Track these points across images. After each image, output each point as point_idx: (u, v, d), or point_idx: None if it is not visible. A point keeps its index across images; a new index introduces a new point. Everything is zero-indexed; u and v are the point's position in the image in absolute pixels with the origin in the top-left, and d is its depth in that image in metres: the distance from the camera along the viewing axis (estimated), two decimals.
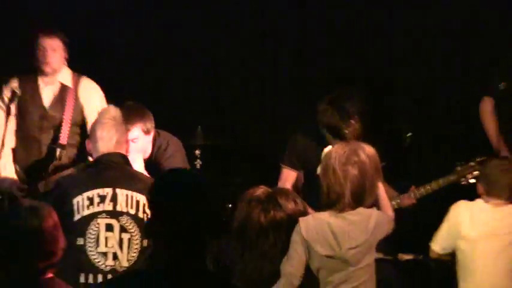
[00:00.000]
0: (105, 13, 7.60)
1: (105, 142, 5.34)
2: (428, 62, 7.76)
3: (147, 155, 6.29)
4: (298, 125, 6.52)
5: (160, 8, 7.74)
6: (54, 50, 6.60)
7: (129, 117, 6.02)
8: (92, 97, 6.74)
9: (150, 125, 6.17)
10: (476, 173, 6.15)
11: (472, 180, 6.18)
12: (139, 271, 3.66)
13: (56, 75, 6.65)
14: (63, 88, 6.69)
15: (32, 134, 6.67)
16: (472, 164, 6.19)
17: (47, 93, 6.70)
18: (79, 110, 6.71)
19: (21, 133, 6.63)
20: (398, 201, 6.28)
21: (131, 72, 7.82)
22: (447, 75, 7.68)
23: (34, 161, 6.72)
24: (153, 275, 3.34)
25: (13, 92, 6.38)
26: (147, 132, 6.15)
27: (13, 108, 6.61)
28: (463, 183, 6.20)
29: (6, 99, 6.64)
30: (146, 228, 3.62)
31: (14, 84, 6.56)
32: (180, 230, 3.30)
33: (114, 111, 5.51)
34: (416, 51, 7.75)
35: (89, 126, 6.46)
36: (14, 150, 6.69)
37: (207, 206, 3.37)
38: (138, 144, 6.13)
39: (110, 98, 6.76)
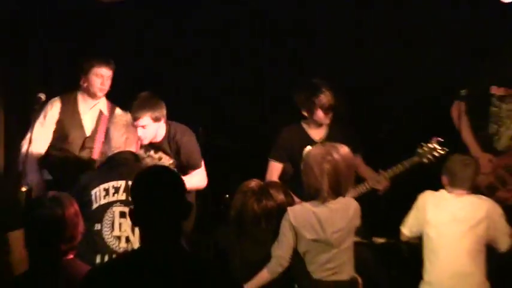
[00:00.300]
0: (105, 11, 7.61)
1: (116, 140, 5.64)
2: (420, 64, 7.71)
3: (160, 138, 6.57)
4: (286, 125, 6.71)
5: (160, 10, 7.85)
6: (109, 78, 6.84)
7: (140, 107, 6.41)
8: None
9: (159, 113, 6.45)
10: (436, 153, 6.38)
11: (434, 160, 6.35)
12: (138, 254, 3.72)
13: (98, 101, 6.92)
14: (100, 114, 6.95)
15: (73, 152, 6.85)
16: (430, 145, 6.41)
17: (87, 119, 6.93)
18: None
19: (63, 151, 6.80)
20: (377, 182, 6.51)
21: (132, 73, 7.86)
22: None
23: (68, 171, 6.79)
24: (152, 256, 3.51)
25: (38, 98, 6.45)
26: (155, 119, 6.44)
27: (50, 123, 6.81)
28: (426, 162, 6.39)
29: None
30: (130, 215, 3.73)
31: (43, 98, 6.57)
32: (159, 219, 3.54)
33: (125, 116, 5.87)
34: (410, 53, 7.75)
35: None
36: (48, 161, 6.83)
37: (183, 201, 3.64)
38: (148, 130, 6.45)
39: (113, 98, 7.02)
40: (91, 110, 6.94)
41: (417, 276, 5.87)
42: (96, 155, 6.88)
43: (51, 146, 6.83)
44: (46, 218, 4.40)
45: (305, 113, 6.50)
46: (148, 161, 6.64)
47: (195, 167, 6.72)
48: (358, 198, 5.92)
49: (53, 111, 6.86)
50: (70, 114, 6.88)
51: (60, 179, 6.73)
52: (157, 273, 3.45)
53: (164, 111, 6.52)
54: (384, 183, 6.50)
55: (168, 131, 6.64)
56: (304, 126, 6.57)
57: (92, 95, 6.88)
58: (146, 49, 8.13)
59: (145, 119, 6.42)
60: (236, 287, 3.71)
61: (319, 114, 6.40)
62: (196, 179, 6.73)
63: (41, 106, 6.52)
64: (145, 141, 6.51)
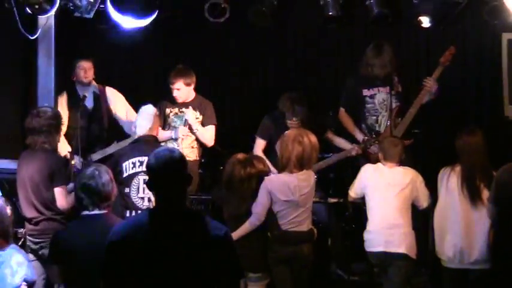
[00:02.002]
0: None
1: (143, 127, 6.19)
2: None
3: (190, 99, 7.29)
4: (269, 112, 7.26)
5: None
6: (90, 69, 7.43)
7: (175, 75, 7.16)
8: (117, 99, 7.57)
9: (190, 80, 7.21)
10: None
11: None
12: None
13: (89, 86, 7.49)
14: (95, 94, 7.53)
15: (81, 125, 7.23)
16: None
17: (88, 99, 7.45)
18: (109, 107, 7.53)
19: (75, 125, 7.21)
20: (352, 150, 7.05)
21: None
22: None
23: (87, 140, 7.25)
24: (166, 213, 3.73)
25: (83, 97, 7.11)
26: (187, 84, 7.19)
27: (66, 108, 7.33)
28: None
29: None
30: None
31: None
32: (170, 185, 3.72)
33: (151, 108, 6.35)
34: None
35: (119, 116, 7.46)
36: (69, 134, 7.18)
37: (185, 172, 3.79)
38: (181, 92, 7.21)
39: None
40: (85, 93, 7.38)
41: (359, 227, 6.27)
42: (106, 125, 7.53)
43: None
44: (89, 182, 4.74)
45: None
46: (180, 114, 7.29)
47: (209, 123, 7.35)
48: None
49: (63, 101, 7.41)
50: (74, 100, 7.39)
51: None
52: (167, 225, 3.67)
53: (194, 79, 7.24)
54: (357, 151, 7.05)
55: (197, 98, 7.31)
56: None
57: (82, 83, 7.43)
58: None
59: (179, 84, 7.16)
60: (222, 234, 3.75)
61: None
62: (208, 135, 7.36)
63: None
64: (180, 100, 7.26)
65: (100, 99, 7.57)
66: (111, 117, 7.58)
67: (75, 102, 7.41)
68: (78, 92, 7.49)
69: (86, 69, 7.47)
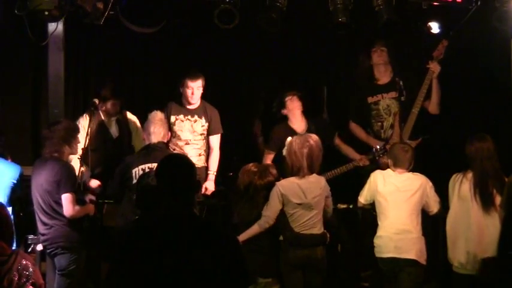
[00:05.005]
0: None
1: (156, 135, 6.20)
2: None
3: (196, 105, 7.19)
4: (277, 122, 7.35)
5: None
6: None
7: (195, 74, 7.04)
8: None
9: (204, 82, 7.08)
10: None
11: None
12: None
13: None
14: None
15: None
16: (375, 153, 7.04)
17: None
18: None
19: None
20: (359, 161, 7.08)
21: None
22: None
23: None
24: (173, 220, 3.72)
25: (93, 103, 6.79)
26: (203, 86, 7.10)
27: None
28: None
29: None
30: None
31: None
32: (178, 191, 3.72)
33: (160, 114, 6.36)
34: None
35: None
36: None
37: (194, 179, 3.81)
38: (198, 93, 7.10)
39: None
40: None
41: (369, 232, 6.30)
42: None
43: None
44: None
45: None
46: (187, 123, 7.21)
47: (216, 132, 7.34)
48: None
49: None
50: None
51: None
52: (174, 230, 3.66)
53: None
54: (364, 163, 7.09)
55: (202, 104, 7.24)
56: (289, 123, 7.28)
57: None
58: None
59: (199, 82, 7.06)
60: (229, 240, 3.78)
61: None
62: (216, 156, 7.30)
63: (95, 108, 6.81)
64: (193, 101, 7.15)
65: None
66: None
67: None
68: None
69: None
